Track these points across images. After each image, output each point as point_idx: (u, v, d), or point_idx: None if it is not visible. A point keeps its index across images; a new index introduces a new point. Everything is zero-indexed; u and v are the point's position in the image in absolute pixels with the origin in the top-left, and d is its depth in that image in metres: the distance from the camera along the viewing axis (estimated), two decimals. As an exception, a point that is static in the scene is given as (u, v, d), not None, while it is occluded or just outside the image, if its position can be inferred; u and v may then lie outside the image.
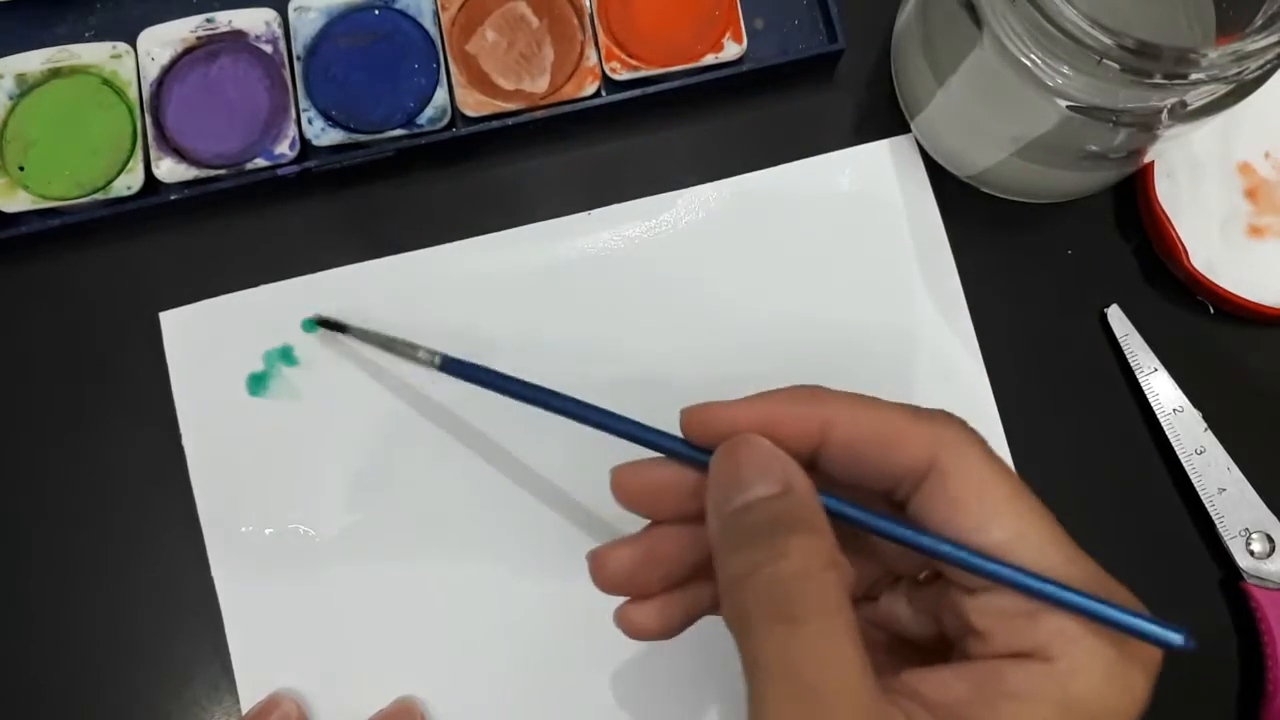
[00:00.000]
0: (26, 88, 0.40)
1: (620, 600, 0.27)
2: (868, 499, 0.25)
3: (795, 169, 0.41)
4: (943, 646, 0.25)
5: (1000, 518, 0.23)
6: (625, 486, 0.27)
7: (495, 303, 0.40)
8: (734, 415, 0.25)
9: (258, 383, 0.39)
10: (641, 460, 0.27)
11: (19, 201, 0.39)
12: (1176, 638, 0.22)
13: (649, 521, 0.28)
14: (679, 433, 0.26)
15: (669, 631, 0.27)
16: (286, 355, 0.39)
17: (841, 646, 0.21)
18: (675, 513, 0.27)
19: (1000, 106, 0.34)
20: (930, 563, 0.25)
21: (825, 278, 0.40)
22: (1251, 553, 0.37)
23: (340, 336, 0.38)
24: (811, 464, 0.25)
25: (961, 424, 0.24)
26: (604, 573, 0.27)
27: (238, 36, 0.40)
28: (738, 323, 0.40)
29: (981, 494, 0.23)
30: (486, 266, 0.40)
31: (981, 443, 0.24)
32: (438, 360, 0.33)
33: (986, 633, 0.23)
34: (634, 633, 0.27)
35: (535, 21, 0.40)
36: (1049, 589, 0.22)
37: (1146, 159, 0.38)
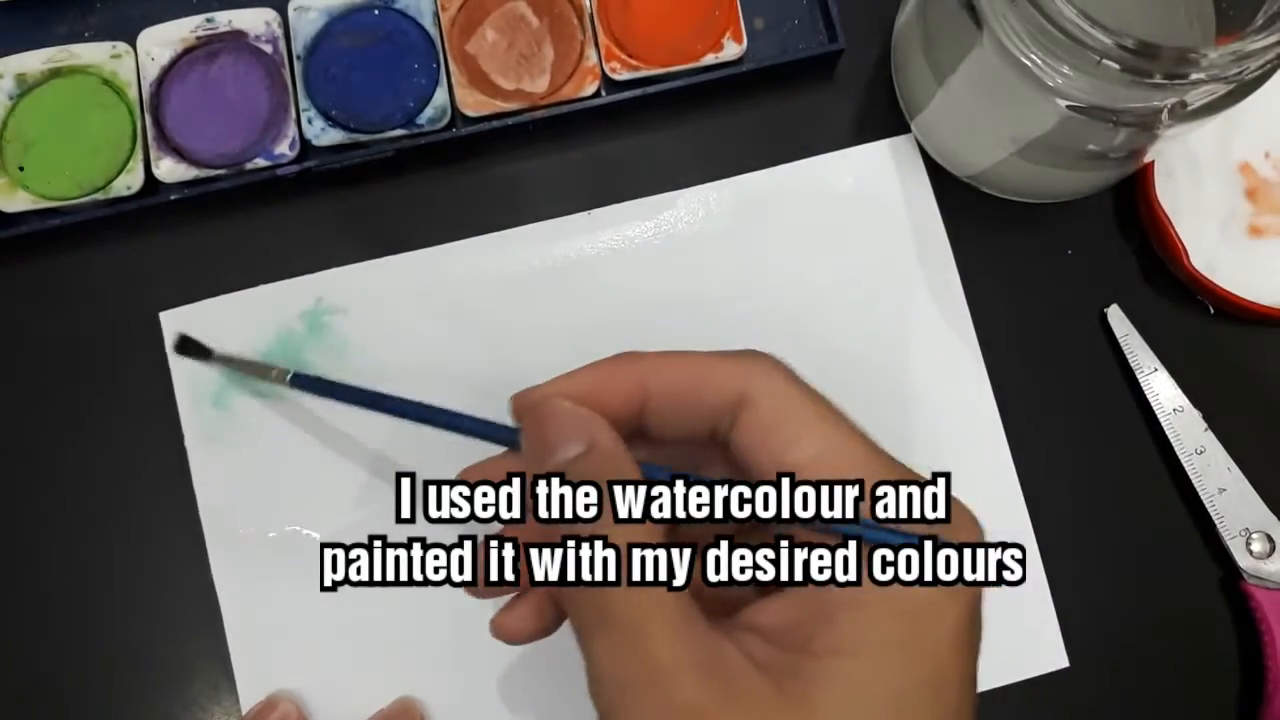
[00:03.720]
0: (26, 88, 0.40)
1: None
2: (699, 451, 0.26)
3: (795, 169, 0.41)
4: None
5: (809, 434, 0.24)
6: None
7: (495, 302, 0.40)
8: (553, 390, 0.26)
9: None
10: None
11: (19, 201, 0.39)
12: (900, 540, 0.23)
13: None
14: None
15: (548, 627, 0.27)
16: (289, 355, 0.39)
17: (656, 590, 0.22)
18: None
19: (1000, 106, 0.34)
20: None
21: (825, 278, 0.40)
22: (1251, 553, 0.37)
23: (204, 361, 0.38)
24: (642, 430, 0.26)
25: (768, 357, 0.26)
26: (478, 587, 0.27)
27: (238, 36, 0.40)
28: (737, 322, 0.39)
29: (790, 415, 0.24)
30: (487, 266, 0.40)
31: (787, 371, 0.25)
32: (288, 378, 0.34)
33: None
34: (511, 637, 0.27)
35: (535, 21, 0.40)
36: (851, 529, 0.23)
37: (1146, 159, 0.38)
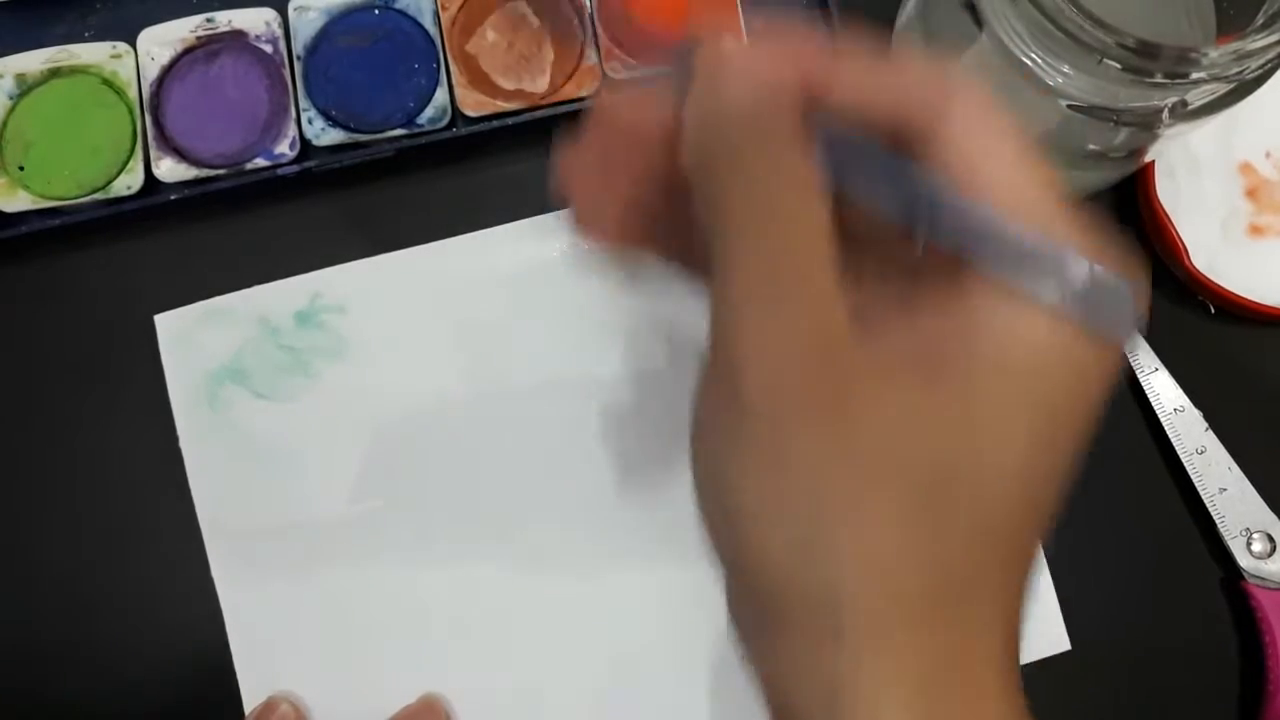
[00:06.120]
0: (26, 88, 0.40)
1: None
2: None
3: None
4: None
5: (1005, 181, 0.22)
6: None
7: (493, 297, 0.40)
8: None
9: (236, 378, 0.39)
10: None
11: (19, 201, 0.39)
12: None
13: None
14: None
15: (621, 235, 0.24)
16: (283, 357, 0.39)
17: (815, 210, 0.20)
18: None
19: (1000, 105, 0.34)
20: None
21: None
22: (1252, 552, 0.37)
23: None
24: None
25: (972, 84, 0.23)
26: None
27: (238, 36, 0.40)
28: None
29: (989, 154, 0.22)
30: (481, 260, 0.40)
31: (991, 100, 0.23)
32: None
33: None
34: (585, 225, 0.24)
35: (535, 21, 0.40)
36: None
37: (1147, 158, 0.38)
